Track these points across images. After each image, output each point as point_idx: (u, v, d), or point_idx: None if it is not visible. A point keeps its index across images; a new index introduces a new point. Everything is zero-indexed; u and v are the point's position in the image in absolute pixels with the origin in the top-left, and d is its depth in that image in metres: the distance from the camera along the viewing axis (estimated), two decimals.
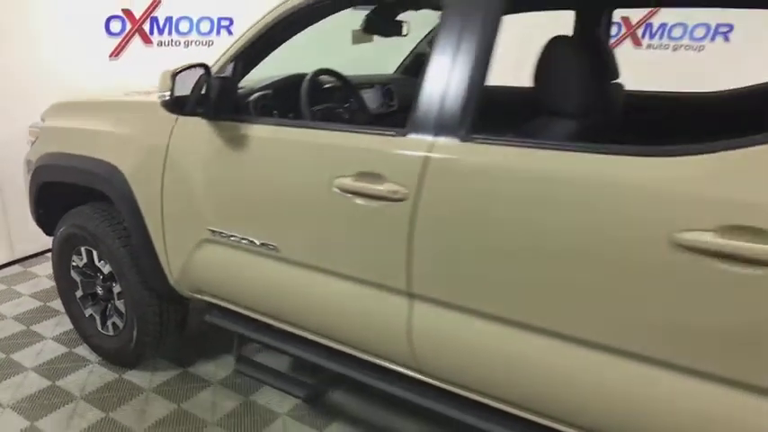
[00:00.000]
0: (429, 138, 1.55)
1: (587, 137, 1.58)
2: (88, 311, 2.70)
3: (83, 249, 2.57)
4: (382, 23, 2.46)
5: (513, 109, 1.89)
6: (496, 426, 1.62)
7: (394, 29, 2.51)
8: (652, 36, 5.10)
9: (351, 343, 1.88)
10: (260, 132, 1.90)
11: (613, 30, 5.13)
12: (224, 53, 2.03)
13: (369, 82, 2.81)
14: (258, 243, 1.95)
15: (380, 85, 2.82)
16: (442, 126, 1.54)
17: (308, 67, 2.42)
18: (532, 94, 1.75)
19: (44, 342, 2.89)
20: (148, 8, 4.18)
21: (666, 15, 4.98)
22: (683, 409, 1.30)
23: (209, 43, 4.53)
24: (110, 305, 2.60)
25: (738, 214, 1.17)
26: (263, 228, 1.93)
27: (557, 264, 1.39)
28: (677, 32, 4.99)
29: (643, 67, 4.90)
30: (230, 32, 4.58)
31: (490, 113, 2.00)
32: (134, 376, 2.61)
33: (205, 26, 4.51)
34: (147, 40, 4.22)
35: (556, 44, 1.69)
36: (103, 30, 3.97)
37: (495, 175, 1.46)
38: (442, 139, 1.53)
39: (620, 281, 1.32)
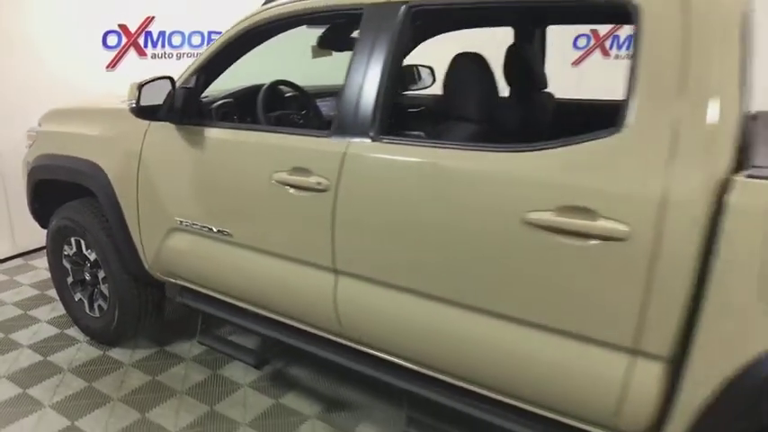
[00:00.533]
0: (347, 138, 1.86)
1: (487, 138, 1.86)
2: (77, 296, 3.02)
3: (72, 240, 2.89)
4: (337, 40, 2.77)
5: (435, 113, 2.19)
6: (404, 382, 1.92)
7: (348, 44, 2.80)
8: (620, 47, 5.38)
9: (292, 315, 2.18)
10: (215, 134, 2.22)
11: (583, 41, 5.45)
12: (188, 67, 2.35)
13: (330, 91, 3.12)
14: (215, 230, 2.26)
15: None
16: (357, 129, 1.84)
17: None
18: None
19: (39, 324, 3.22)
20: (143, 23, 4.54)
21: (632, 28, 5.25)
22: (531, 356, 1.60)
23: None
24: (96, 290, 2.92)
25: (572, 197, 1.46)
26: (219, 216, 2.25)
27: (443, 241, 1.69)
28: None
29: (611, 76, 5.21)
30: None
31: (416, 117, 2.31)
32: (116, 353, 2.92)
33: (196, 39, 4.86)
34: (141, 53, 4.57)
35: (458, 60, 1.99)
36: (101, 43, 4.33)
37: (395, 167, 1.77)
38: (357, 140, 1.84)
39: (490, 254, 1.61)
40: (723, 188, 1.29)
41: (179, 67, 2.49)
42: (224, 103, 2.48)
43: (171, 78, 2.27)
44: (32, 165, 2.94)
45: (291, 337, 2.25)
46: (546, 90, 2.74)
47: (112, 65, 4.44)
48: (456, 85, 1.98)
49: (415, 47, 3.13)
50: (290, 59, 3.31)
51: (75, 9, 4.10)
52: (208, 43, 4.91)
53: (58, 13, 4.02)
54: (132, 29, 4.48)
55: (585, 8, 1.79)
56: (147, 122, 2.42)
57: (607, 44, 5.40)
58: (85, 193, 2.74)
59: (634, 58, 1.44)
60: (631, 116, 1.42)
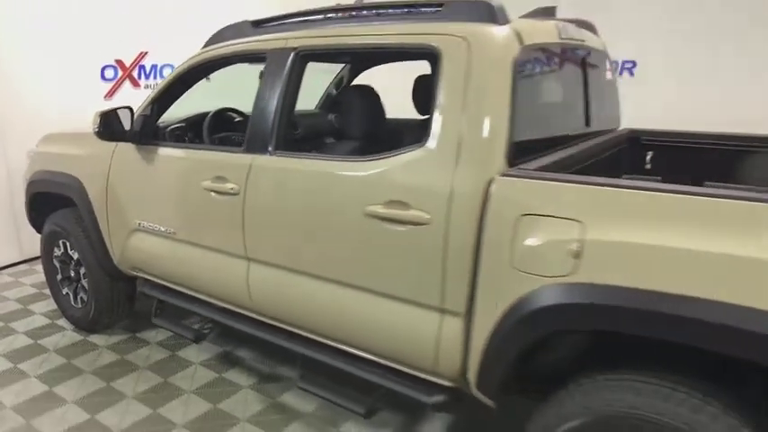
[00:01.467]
0: (253, 154, 2.37)
1: (365, 152, 2.35)
2: (65, 290, 3.57)
3: (60, 242, 3.45)
4: None
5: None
6: (294, 345, 2.40)
7: None
8: None
9: (220, 296, 2.68)
10: (165, 152, 2.76)
11: None
12: (146, 99, 2.91)
13: None
14: (163, 229, 2.79)
15: None
16: (260, 146, 2.36)
17: None
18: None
19: (35, 316, 3.78)
20: (137, 58, 5.18)
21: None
22: (375, 317, 2.07)
23: None
24: (78, 285, 3.47)
25: (394, 194, 1.94)
26: (165, 218, 2.77)
27: (312, 230, 2.19)
28: None
29: None
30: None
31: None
32: (95, 338, 3.46)
33: None
34: (135, 84, 5.21)
35: (344, 91, 2.50)
36: (99, 76, 4.97)
37: (283, 175, 2.27)
38: (260, 155, 2.35)
39: (345, 239, 2.10)
40: (490, 184, 1.77)
41: None
42: (177, 126, 3.03)
43: (130, 108, 2.82)
44: (29, 180, 3.53)
45: (223, 317, 2.74)
46: None
47: (110, 95, 5.08)
48: (342, 110, 2.49)
49: (354, 78, 3.68)
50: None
51: (78, 47, 4.75)
52: None
53: (62, 51, 4.67)
54: (127, 63, 5.13)
55: (409, 51, 2.23)
56: (114, 143, 2.97)
57: None
58: (70, 203, 3.30)
59: (434, 89, 1.93)
60: (431, 133, 1.90)
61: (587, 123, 2.57)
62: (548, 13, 2.46)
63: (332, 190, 2.13)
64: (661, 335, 1.49)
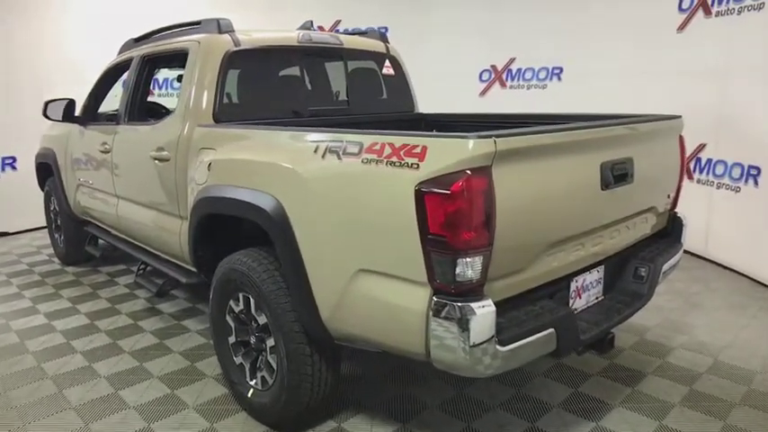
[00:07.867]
0: (117, 124, 3.58)
1: None
2: (56, 235, 5.02)
3: (51, 198, 4.92)
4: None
5: None
6: (139, 253, 3.54)
7: None
8: (513, 79, 6.51)
9: (111, 225, 3.90)
10: (89, 130, 4.05)
11: (486, 75, 6.66)
12: (87, 94, 4.24)
13: None
14: (89, 182, 4.08)
15: None
16: (120, 119, 3.56)
17: None
18: None
19: (41, 255, 5.27)
20: None
21: (520, 62, 6.40)
22: (154, 223, 3.14)
23: None
24: (61, 230, 4.88)
25: (158, 143, 3.02)
26: (88, 175, 4.06)
27: (133, 169, 3.32)
28: (528, 75, 6.38)
29: (508, 101, 6.36)
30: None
31: None
32: (69, 269, 4.83)
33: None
34: None
35: None
36: None
37: (124, 135, 3.45)
38: (119, 125, 3.55)
39: (142, 174, 3.20)
40: (193, 132, 2.80)
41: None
42: (110, 113, 4.33)
43: (73, 100, 4.16)
44: (36, 154, 5.03)
45: (115, 240, 3.95)
46: None
47: None
48: None
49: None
50: None
51: (69, 66, 6.32)
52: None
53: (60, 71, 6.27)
54: None
55: (181, 53, 3.23)
56: (71, 125, 4.32)
57: (504, 77, 6.55)
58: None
59: (185, 76, 3.00)
60: (176, 106, 2.97)
61: (348, 104, 3.48)
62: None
63: (139, 142, 3.26)
64: (238, 213, 2.43)
